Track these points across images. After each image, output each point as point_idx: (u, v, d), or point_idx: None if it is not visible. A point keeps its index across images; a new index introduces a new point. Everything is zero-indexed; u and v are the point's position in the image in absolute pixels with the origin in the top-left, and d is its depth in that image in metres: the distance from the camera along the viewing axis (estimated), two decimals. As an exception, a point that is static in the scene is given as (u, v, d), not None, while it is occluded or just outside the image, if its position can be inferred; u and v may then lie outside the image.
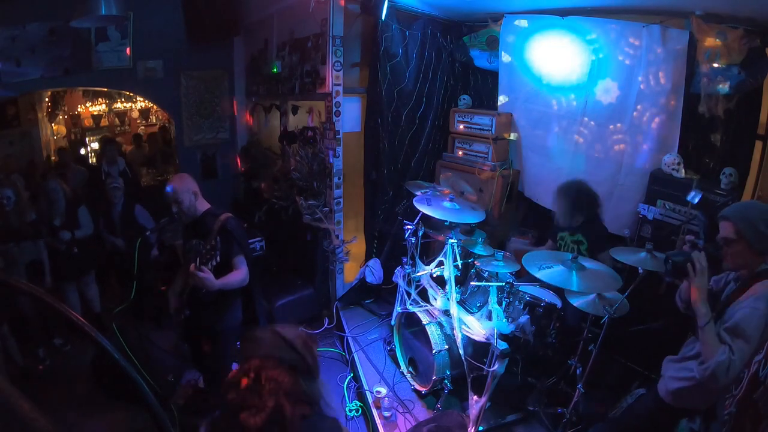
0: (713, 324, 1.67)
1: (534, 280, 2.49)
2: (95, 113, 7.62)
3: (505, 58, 3.88)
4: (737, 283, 1.81)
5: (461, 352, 2.70)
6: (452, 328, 2.79)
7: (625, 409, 2.41)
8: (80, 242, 3.61)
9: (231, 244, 2.39)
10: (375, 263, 4.12)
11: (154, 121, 8.05)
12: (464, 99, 4.20)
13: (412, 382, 3.16)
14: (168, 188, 2.48)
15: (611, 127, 3.34)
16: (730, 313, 1.68)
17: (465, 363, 2.68)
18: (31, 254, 3.48)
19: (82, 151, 7.09)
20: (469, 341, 2.71)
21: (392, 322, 3.40)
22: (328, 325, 4.12)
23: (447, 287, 2.83)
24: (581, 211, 2.91)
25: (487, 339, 2.54)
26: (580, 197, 2.90)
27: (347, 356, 3.65)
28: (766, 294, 1.61)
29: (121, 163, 4.90)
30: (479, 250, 2.97)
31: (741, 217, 1.73)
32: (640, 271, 2.17)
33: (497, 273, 2.71)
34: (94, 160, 6.84)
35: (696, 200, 2.55)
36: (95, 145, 7.14)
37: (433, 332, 2.91)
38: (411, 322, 3.18)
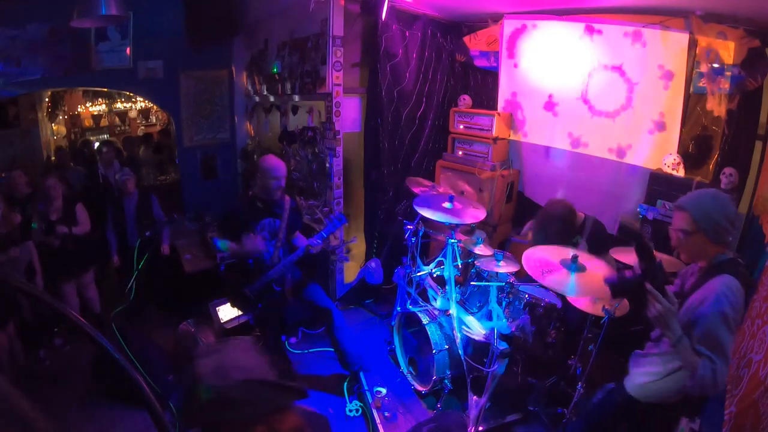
0: (685, 339, 1.60)
1: (534, 280, 2.48)
2: (95, 113, 7.62)
3: (505, 57, 3.88)
4: (698, 275, 1.77)
5: (461, 352, 2.71)
6: (452, 328, 2.79)
7: (595, 404, 2.39)
8: (77, 239, 3.59)
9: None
10: (375, 263, 4.12)
11: (154, 121, 8.05)
12: (464, 99, 4.20)
13: (412, 382, 3.16)
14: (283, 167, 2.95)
15: (611, 127, 3.34)
16: (692, 311, 1.63)
17: (465, 363, 2.68)
18: (28, 255, 3.47)
19: (82, 151, 7.08)
20: (469, 341, 2.72)
21: (392, 322, 3.40)
22: (328, 325, 4.12)
23: (447, 287, 2.84)
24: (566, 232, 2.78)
25: (487, 339, 2.54)
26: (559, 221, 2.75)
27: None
28: (724, 291, 1.58)
29: (116, 166, 4.88)
30: (479, 250, 2.97)
31: (698, 208, 1.68)
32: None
33: (497, 273, 2.71)
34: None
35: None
36: (95, 145, 7.12)
37: (433, 332, 2.91)
38: (411, 322, 3.18)
